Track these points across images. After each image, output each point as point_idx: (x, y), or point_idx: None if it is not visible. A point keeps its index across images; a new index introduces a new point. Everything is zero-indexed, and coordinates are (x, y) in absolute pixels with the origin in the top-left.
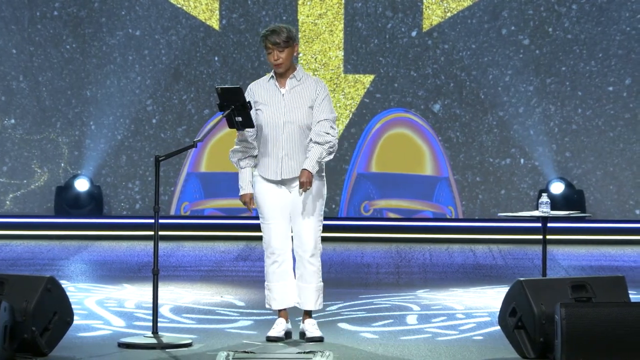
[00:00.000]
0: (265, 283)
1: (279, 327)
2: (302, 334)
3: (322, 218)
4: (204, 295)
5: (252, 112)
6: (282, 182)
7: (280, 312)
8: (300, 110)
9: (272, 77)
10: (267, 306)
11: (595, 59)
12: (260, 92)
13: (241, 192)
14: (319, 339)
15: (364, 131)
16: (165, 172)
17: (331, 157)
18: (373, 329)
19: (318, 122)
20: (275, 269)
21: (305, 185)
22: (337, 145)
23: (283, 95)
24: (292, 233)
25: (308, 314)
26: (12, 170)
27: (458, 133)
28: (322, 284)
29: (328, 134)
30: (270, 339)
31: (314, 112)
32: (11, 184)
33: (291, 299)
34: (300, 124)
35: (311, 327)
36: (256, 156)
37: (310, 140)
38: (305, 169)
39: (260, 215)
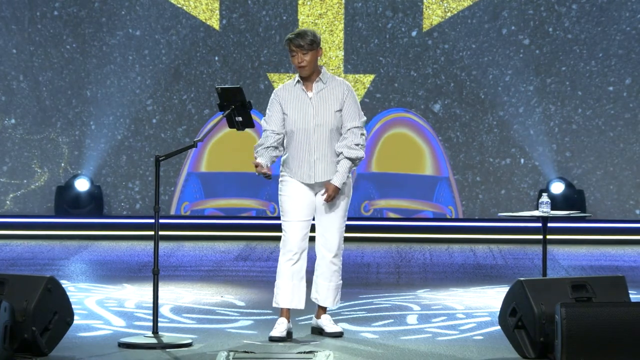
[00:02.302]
0: (276, 281)
1: (282, 327)
2: (319, 330)
3: (346, 218)
4: (204, 295)
5: (280, 112)
6: (312, 185)
7: (283, 312)
8: (328, 113)
9: (298, 81)
10: (274, 304)
11: (595, 58)
12: (288, 97)
13: (255, 161)
14: (339, 334)
15: None
16: (165, 172)
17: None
18: (373, 329)
19: (348, 129)
20: (289, 267)
21: (328, 198)
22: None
23: (310, 98)
24: (316, 232)
25: (323, 309)
26: (13, 170)
27: (458, 133)
28: (341, 282)
29: (357, 145)
30: (273, 339)
31: (343, 117)
32: (11, 184)
33: (299, 301)
34: (330, 127)
35: (329, 323)
36: (274, 147)
37: (341, 153)
38: (332, 184)
39: (282, 213)
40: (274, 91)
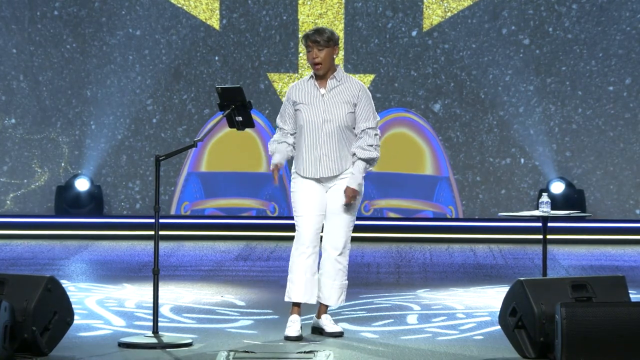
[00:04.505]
0: (289, 276)
1: (296, 326)
2: (319, 329)
3: (355, 217)
4: (204, 294)
5: (292, 112)
6: (319, 180)
7: (294, 309)
8: (339, 110)
9: (311, 77)
10: (286, 299)
11: (595, 58)
12: (300, 92)
13: (270, 167)
14: (340, 334)
15: None
16: (165, 171)
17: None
18: (373, 329)
19: (362, 130)
20: (303, 261)
21: (348, 202)
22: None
23: (323, 95)
24: (324, 230)
25: (324, 309)
26: (13, 170)
27: (458, 133)
28: (346, 282)
29: (371, 146)
30: (289, 339)
31: (357, 118)
32: (12, 184)
33: (311, 295)
34: (340, 124)
35: (329, 323)
36: (290, 145)
37: (354, 154)
38: (350, 187)
39: (294, 210)
40: (288, 88)
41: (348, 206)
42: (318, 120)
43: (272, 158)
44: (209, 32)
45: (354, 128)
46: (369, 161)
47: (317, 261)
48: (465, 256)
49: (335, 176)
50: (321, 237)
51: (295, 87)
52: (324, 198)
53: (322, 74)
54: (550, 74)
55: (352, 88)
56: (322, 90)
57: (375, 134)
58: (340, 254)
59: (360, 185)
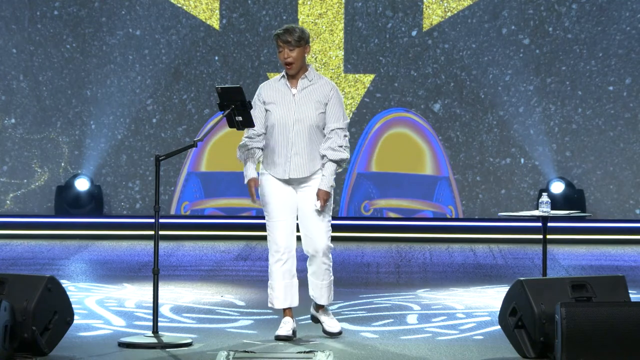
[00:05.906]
0: (269, 282)
1: (287, 326)
2: (316, 319)
3: (330, 216)
4: (204, 294)
5: (262, 112)
6: (289, 182)
7: (286, 311)
8: (310, 110)
9: (283, 76)
10: (269, 305)
11: (595, 58)
12: (271, 92)
13: (245, 181)
14: (339, 334)
15: (364, 131)
16: (165, 171)
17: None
18: (373, 329)
19: (332, 130)
20: (279, 267)
21: (323, 205)
22: (349, 156)
23: (294, 95)
24: (301, 233)
25: (321, 305)
26: (13, 170)
27: (458, 132)
28: (332, 278)
29: (341, 147)
30: (280, 338)
31: (327, 118)
32: (11, 184)
33: (292, 299)
34: (310, 124)
35: (330, 321)
36: (260, 149)
37: (324, 156)
38: (322, 190)
39: (265, 213)
40: (258, 88)
41: (322, 209)
42: (289, 120)
43: (245, 170)
44: (209, 32)
45: (324, 128)
46: (340, 162)
47: (295, 263)
48: (465, 256)
49: (306, 177)
50: (298, 237)
51: (266, 87)
52: (294, 198)
53: (293, 74)
54: (550, 74)
55: (323, 88)
56: (294, 90)
57: (345, 135)
58: (323, 255)
59: (332, 187)
